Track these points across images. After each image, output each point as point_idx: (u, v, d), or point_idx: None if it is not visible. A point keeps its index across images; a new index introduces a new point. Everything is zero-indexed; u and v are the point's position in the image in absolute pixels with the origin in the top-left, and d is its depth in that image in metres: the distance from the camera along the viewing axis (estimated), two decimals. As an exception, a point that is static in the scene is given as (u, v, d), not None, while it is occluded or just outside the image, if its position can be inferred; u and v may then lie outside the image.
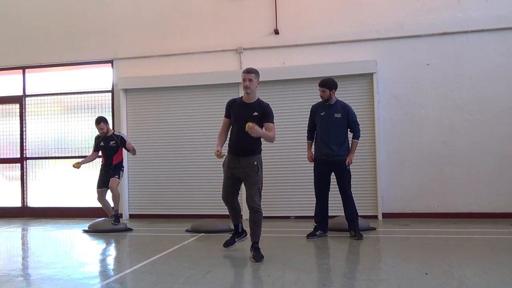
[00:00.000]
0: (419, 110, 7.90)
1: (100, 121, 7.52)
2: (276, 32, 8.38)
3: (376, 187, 7.84)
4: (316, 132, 6.41)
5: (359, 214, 7.47)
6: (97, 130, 7.61)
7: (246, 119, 5.13)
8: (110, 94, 9.08)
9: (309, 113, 6.54)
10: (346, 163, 6.23)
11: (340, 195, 6.44)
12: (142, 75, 8.84)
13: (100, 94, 9.15)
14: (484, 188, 7.64)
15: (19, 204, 9.44)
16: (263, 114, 5.25)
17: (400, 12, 8.02)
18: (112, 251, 6.38)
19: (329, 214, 6.54)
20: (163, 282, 4.38)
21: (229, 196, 5.55)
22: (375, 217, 7.77)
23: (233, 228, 5.85)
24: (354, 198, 7.49)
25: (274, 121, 5.36)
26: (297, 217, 8.04)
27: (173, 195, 8.52)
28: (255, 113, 5.22)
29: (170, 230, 7.18)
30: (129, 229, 7.45)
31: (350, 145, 6.38)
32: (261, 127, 5.18)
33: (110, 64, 9.10)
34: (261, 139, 5.38)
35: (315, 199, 6.49)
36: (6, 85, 9.66)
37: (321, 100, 6.37)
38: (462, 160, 7.73)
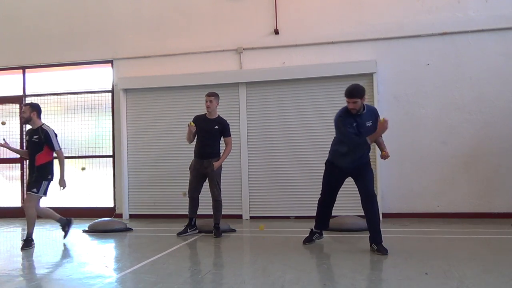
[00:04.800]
0: (419, 110, 7.90)
1: (26, 105, 6.39)
2: (276, 32, 8.38)
3: (376, 187, 7.82)
4: (339, 141, 5.60)
5: (359, 214, 7.44)
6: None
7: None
8: (110, 94, 9.08)
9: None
10: (384, 156, 5.48)
11: (362, 195, 5.61)
12: (142, 75, 8.84)
13: (100, 94, 9.15)
14: (484, 188, 7.64)
15: (19, 204, 9.43)
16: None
17: (400, 12, 8.02)
18: (112, 251, 6.38)
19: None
20: (163, 282, 4.38)
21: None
22: (375, 217, 7.76)
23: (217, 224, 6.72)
24: (354, 198, 7.43)
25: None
26: (297, 217, 8.04)
27: (173, 195, 8.49)
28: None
29: (170, 230, 7.18)
30: (129, 229, 7.45)
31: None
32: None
33: (110, 64, 9.09)
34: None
35: (320, 200, 5.91)
36: (6, 85, 9.66)
37: (350, 110, 5.35)
38: (462, 160, 7.72)
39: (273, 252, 5.55)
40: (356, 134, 5.35)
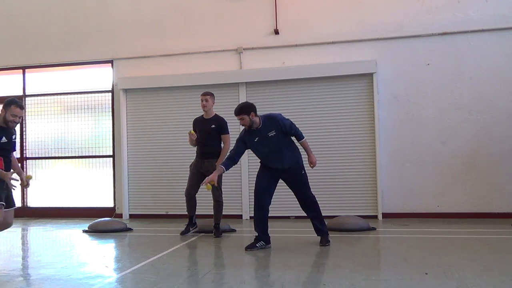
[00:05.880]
0: (419, 110, 7.90)
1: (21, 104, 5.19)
2: (276, 32, 8.38)
3: (376, 187, 7.84)
4: (258, 157, 5.83)
5: (359, 214, 7.53)
6: None
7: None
8: (110, 94, 9.08)
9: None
10: (310, 165, 5.74)
11: (299, 200, 5.91)
12: (142, 75, 8.83)
13: (100, 94, 9.15)
14: (484, 188, 7.64)
15: (19, 204, 9.41)
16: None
17: (400, 12, 8.02)
18: (112, 251, 6.38)
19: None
20: (163, 282, 4.38)
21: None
22: (375, 217, 7.77)
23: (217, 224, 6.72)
24: (354, 198, 7.51)
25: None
26: (297, 217, 8.03)
27: (173, 195, 8.50)
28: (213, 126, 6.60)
29: (170, 230, 7.18)
30: (129, 229, 7.44)
31: (299, 153, 5.81)
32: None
33: (110, 64, 9.09)
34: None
35: (254, 203, 5.80)
36: (6, 85, 9.66)
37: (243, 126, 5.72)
38: (462, 160, 7.72)
39: (273, 252, 5.55)
40: (264, 145, 5.63)
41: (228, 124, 6.75)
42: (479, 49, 7.74)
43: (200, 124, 6.74)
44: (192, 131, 6.64)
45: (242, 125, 5.73)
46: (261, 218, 5.74)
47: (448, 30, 7.84)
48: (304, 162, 5.85)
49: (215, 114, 6.81)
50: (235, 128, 8.38)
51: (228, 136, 6.72)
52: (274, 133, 5.61)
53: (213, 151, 6.64)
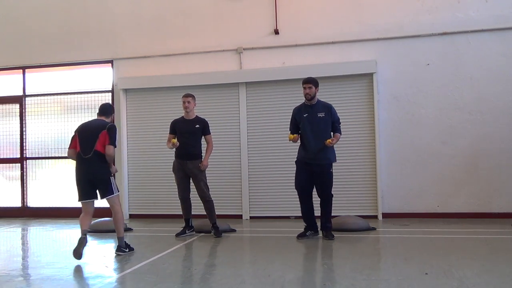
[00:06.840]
0: (419, 110, 7.90)
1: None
2: (276, 32, 8.38)
3: (376, 187, 7.84)
4: (300, 135, 6.32)
5: (359, 214, 7.54)
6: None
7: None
8: (110, 94, 9.08)
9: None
10: (326, 142, 6.03)
11: (318, 193, 6.32)
12: (142, 75, 8.83)
13: (100, 94, 9.15)
14: (484, 188, 7.63)
15: (19, 204, 9.43)
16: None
17: (400, 12, 8.02)
18: (112, 251, 6.37)
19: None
20: (163, 282, 4.38)
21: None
22: (375, 217, 7.77)
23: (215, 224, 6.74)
24: (354, 198, 7.53)
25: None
26: (297, 217, 8.01)
27: (173, 195, 8.45)
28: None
29: (170, 230, 7.18)
30: (129, 229, 7.44)
31: (333, 148, 6.24)
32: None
33: (110, 64, 9.10)
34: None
35: (300, 201, 6.40)
36: (6, 85, 9.66)
37: (304, 100, 6.32)
38: (462, 160, 7.72)
39: (273, 252, 5.55)
40: (309, 123, 6.16)
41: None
42: (479, 49, 7.74)
43: (182, 125, 6.77)
44: (175, 140, 6.59)
45: (306, 94, 6.20)
46: (306, 211, 6.30)
47: (448, 30, 7.84)
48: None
49: (196, 115, 6.87)
50: (235, 130, 8.39)
51: (211, 137, 6.83)
52: (323, 115, 6.16)
53: (197, 151, 6.72)
